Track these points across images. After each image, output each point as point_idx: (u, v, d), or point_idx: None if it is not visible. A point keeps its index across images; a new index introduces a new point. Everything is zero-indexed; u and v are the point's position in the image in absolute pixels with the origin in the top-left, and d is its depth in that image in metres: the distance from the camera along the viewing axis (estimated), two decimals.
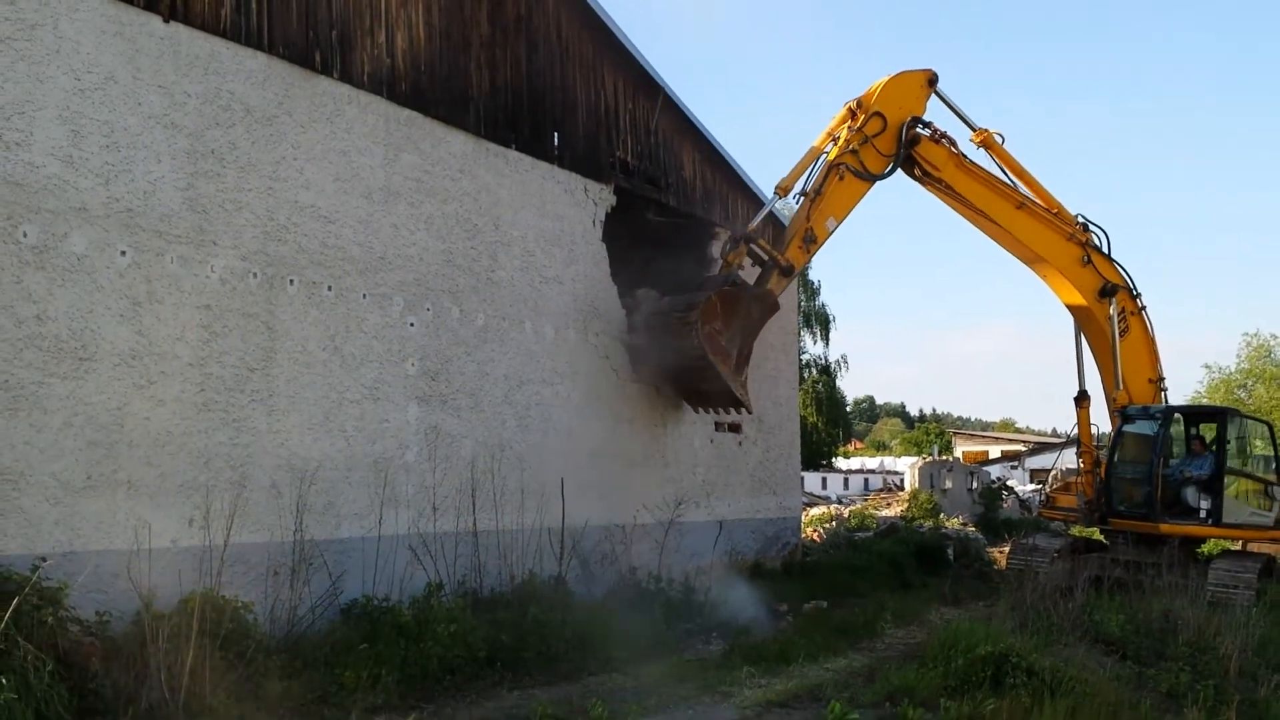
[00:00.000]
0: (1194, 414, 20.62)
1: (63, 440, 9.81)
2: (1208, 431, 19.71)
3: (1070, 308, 20.37)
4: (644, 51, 17.63)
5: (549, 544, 14.47)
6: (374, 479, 12.67)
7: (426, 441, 13.47)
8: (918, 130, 18.40)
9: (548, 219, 15.81)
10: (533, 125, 15.67)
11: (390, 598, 11.88)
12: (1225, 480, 18.38)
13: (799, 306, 28.14)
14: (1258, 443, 20.08)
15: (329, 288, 12.44)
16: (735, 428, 20.08)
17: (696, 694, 11.16)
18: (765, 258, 17.19)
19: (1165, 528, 18.12)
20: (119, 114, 10.42)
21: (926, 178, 18.82)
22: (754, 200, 20.72)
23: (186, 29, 11.04)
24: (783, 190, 17.53)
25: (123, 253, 10.37)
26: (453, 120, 14.25)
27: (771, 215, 21.18)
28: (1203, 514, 18.27)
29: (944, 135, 18.65)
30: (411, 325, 13.48)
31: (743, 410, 17.85)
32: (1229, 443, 18.85)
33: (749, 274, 17.54)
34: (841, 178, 17.50)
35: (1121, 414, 19.58)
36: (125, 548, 10.02)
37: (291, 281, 12.02)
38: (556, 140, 16.11)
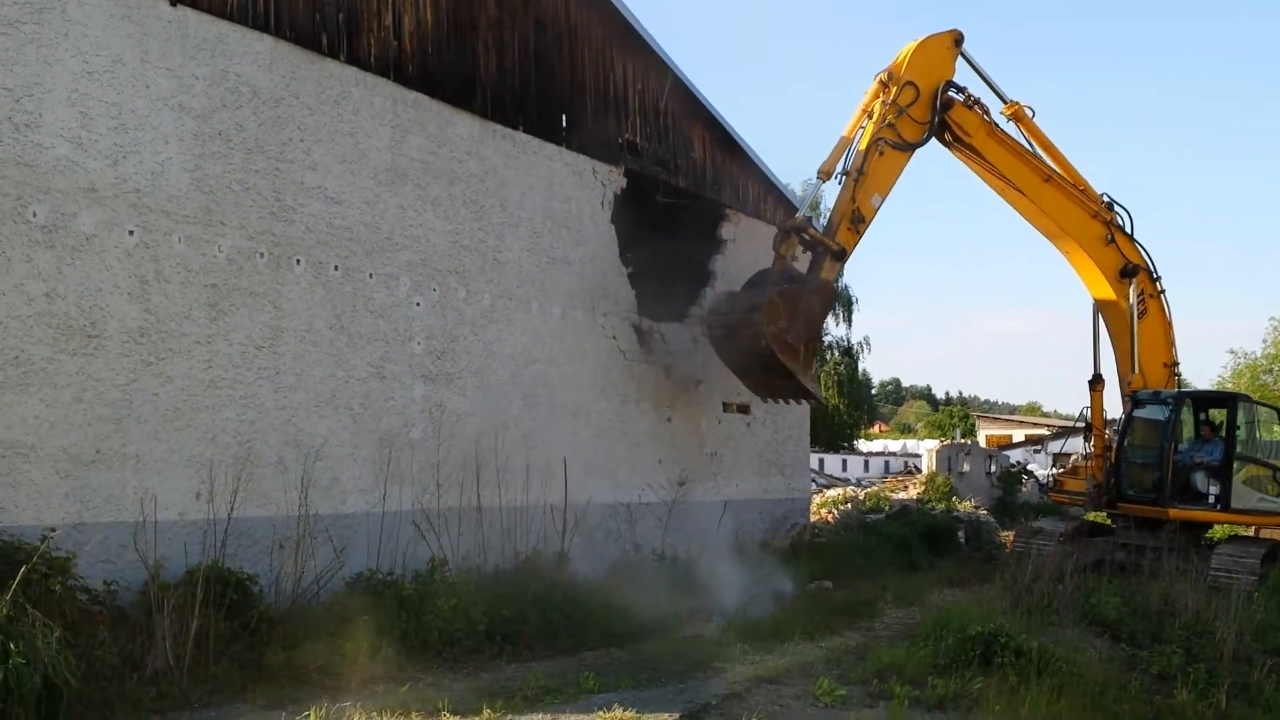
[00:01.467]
0: (1204, 399, 20.60)
1: (73, 415, 10.07)
2: (1217, 417, 19.69)
3: (1090, 287, 20.38)
4: (652, 31, 17.72)
5: (552, 521, 14.69)
6: (379, 455, 12.92)
7: (432, 419, 13.70)
8: (951, 94, 18.33)
9: (556, 200, 15.98)
10: (540, 107, 15.82)
11: (394, 572, 12.13)
12: (1234, 466, 18.38)
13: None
14: (1276, 429, 20.05)
15: (335, 267, 12.67)
16: (744, 409, 20.22)
17: (689, 669, 11.35)
18: (817, 245, 17.03)
19: (1174, 513, 18.15)
20: (127, 96, 10.65)
21: (957, 143, 18.78)
22: (764, 182, 20.81)
23: (194, 12, 11.25)
24: (825, 174, 17.30)
25: (130, 232, 10.62)
26: (460, 102, 14.42)
27: (785, 198, 21.33)
28: (1211, 499, 18.32)
29: (977, 101, 18.62)
30: (418, 305, 13.69)
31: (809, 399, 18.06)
32: (1239, 428, 18.83)
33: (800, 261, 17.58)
34: (881, 153, 17.34)
35: (1132, 398, 19.61)
36: (133, 520, 10.29)
37: (298, 261, 12.25)
38: (564, 122, 16.25)
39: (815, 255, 17.13)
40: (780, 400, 18.41)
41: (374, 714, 8.79)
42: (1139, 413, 19.55)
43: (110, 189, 10.46)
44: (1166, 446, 18.62)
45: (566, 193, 16.20)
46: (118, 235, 10.52)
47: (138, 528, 10.21)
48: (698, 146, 19.25)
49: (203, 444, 11.12)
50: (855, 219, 17.15)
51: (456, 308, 14.26)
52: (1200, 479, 18.58)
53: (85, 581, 9.47)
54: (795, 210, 20.04)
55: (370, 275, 13.10)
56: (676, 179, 18.73)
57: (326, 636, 10.57)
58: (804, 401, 18.38)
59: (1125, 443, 19.59)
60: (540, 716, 9.14)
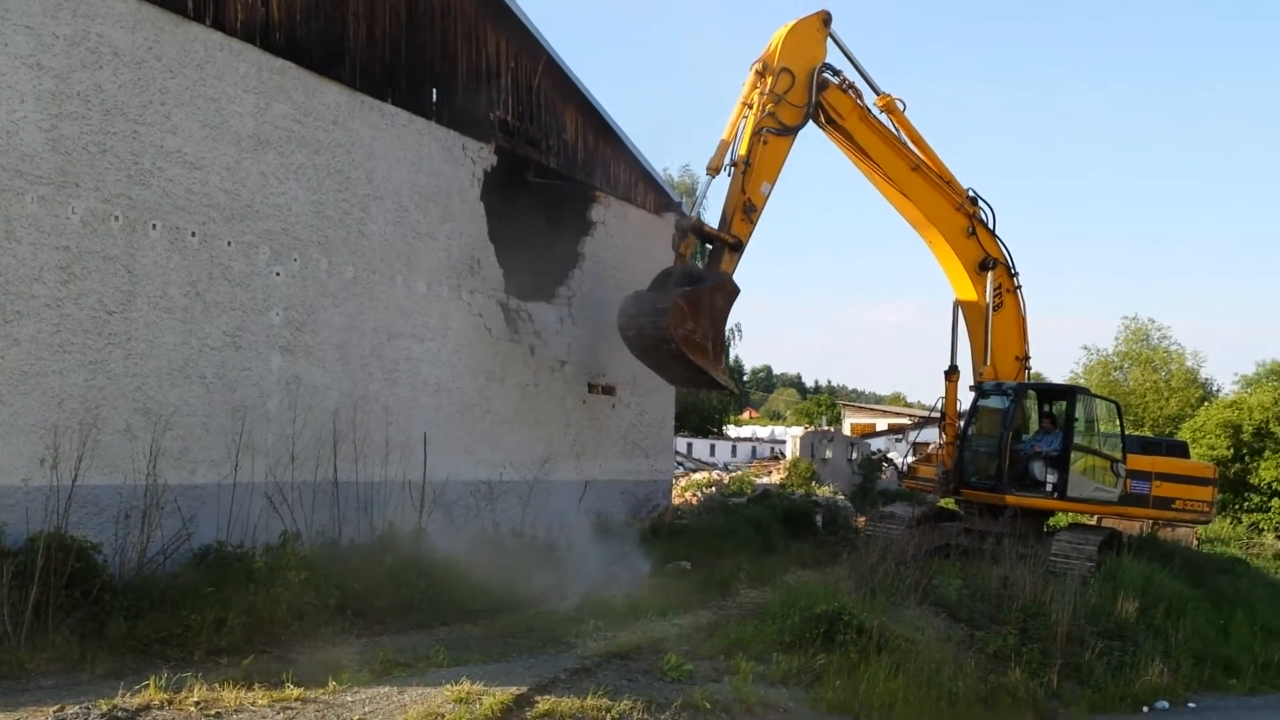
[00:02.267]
0: (1045, 391, 21.48)
1: None
2: (1059, 409, 20.50)
3: (950, 278, 21.03)
4: (528, 9, 17.71)
5: (411, 497, 14.64)
6: (232, 426, 12.70)
7: (289, 391, 13.52)
8: (826, 76, 18.77)
9: (424, 175, 15.86)
10: (410, 80, 15.67)
11: (244, 545, 11.98)
12: (1072, 456, 19.11)
13: None
14: (1116, 422, 20.83)
15: (193, 234, 12.40)
16: (609, 390, 20.38)
17: (541, 645, 11.49)
18: (714, 240, 17.34)
19: (1011, 499, 18.95)
20: None
21: (830, 125, 19.20)
22: (636, 165, 20.94)
23: None
24: (713, 170, 17.47)
25: None
26: (327, 72, 14.20)
27: (656, 183, 21.54)
28: (1049, 488, 19.08)
29: (851, 85, 19.13)
30: (277, 275, 13.49)
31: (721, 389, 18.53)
32: (1076, 420, 19.65)
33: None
34: (765, 142, 17.66)
35: (978, 389, 20.36)
36: None
37: (154, 226, 11.96)
38: (435, 97, 16.13)
39: (714, 250, 17.42)
40: (691, 389, 18.76)
41: (215, 685, 8.69)
42: (983, 403, 20.33)
43: None
44: (1006, 435, 19.39)
45: (435, 168, 16.09)
46: None
47: None
48: (570, 128, 19.28)
49: (48, 409, 10.82)
50: (748, 209, 17.46)
51: (318, 279, 14.08)
52: (1039, 468, 19.36)
53: None
54: (666, 194, 20.39)
55: (229, 243, 12.85)
56: (548, 159, 18.73)
57: (171, 608, 10.47)
58: (716, 390, 18.84)
59: (970, 432, 20.32)
60: (386, 689, 9.12)
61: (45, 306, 10.87)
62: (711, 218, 18.07)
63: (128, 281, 11.68)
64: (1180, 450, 22.14)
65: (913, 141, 20.01)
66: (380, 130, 15.07)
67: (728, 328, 19.24)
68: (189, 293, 12.35)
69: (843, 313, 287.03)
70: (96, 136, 11.39)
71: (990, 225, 20.70)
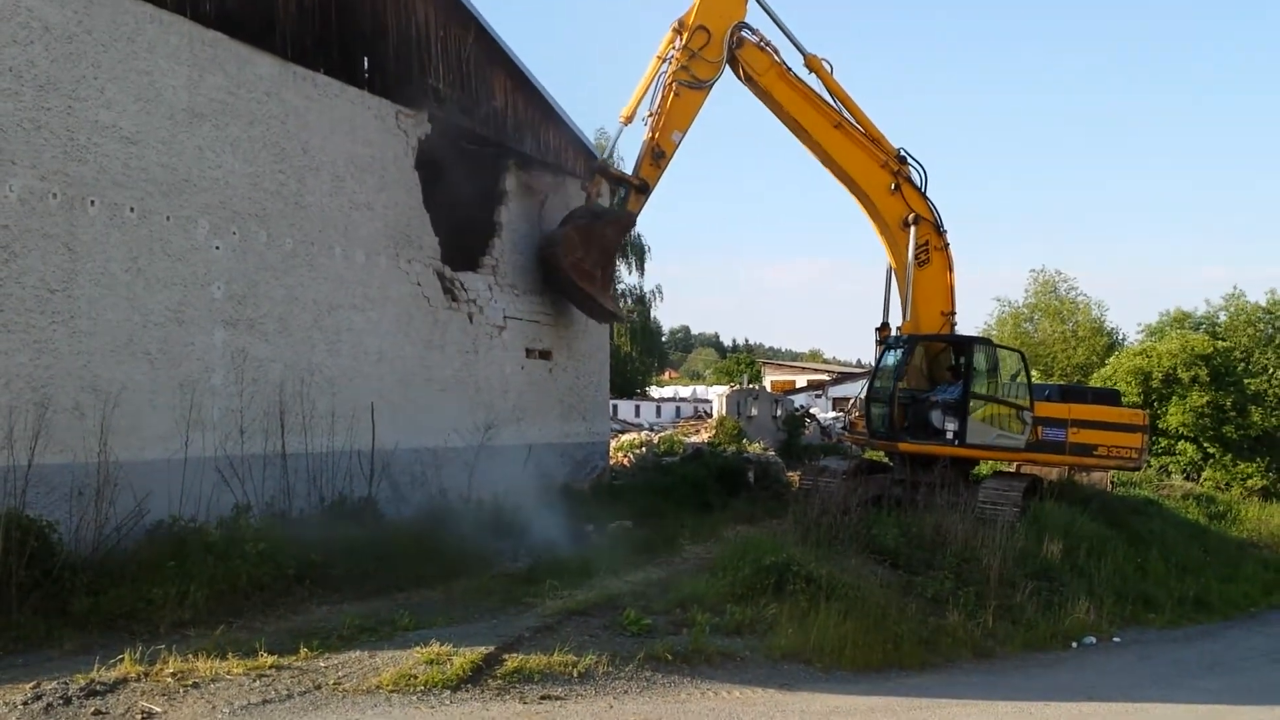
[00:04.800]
0: (948, 343, 21.35)
1: None
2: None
3: (878, 234, 21.40)
4: None
5: (359, 467, 14.73)
6: (179, 402, 12.68)
7: (233, 365, 13.51)
8: (744, 34, 19.48)
9: (359, 145, 15.82)
10: (342, 49, 15.59)
11: (197, 518, 12.00)
12: (971, 405, 19.52)
13: None
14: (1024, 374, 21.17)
15: (131, 209, 12.30)
16: (546, 355, 20.53)
17: (501, 605, 11.73)
18: (621, 181, 18.64)
19: (904, 446, 19.54)
20: None
21: (749, 80, 19.87)
22: (564, 129, 21.00)
23: None
24: (625, 118, 18.81)
25: None
26: (259, 43, 14.10)
27: (587, 148, 21.66)
28: (949, 435, 19.59)
29: (768, 44, 19.74)
30: (217, 249, 13.42)
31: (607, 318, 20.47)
32: (976, 370, 20.09)
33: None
34: (678, 94, 18.70)
35: (884, 343, 20.86)
36: None
37: (92, 202, 11.85)
38: (367, 66, 16.08)
39: (624, 190, 18.60)
40: (592, 318, 20.51)
41: (189, 656, 8.79)
42: (888, 355, 20.81)
43: None
44: (893, 386, 19.92)
45: (369, 137, 16.05)
46: None
47: None
48: (500, 95, 19.29)
49: None
50: (656, 154, 18.71)
51: (258, 252, 14.03)
52: (937, 416, 19.86)
53: None
54: (596, 158, 20.62)
55: (168, 217, 12.77)
56: (480, 127, 18.74)
57: (131, 583, 10.51)
58: (611, 320, 20.32)
59: (876, 385, 20.78)
60: (357, 654, 9.30)
61: None
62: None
63: (68, 259, 11.58)
64: (1110, 398, 22.56)
65: (840, 100, 20.39)
66: (313, 100, 15.00)
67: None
68: (130, 269, 12.27)
69: (756, 271, 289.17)
70: (30, 113, 11.25)
71: (920, 184, 21.07)
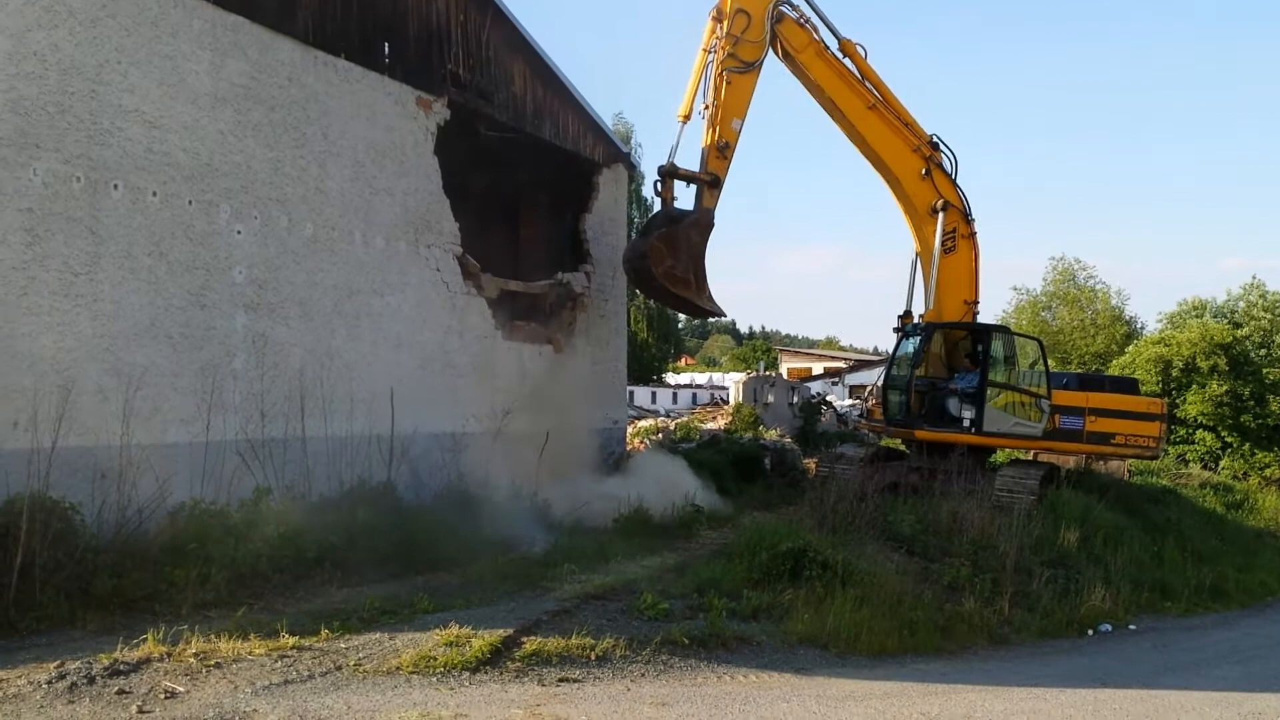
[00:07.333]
0: (967, 332, 21.22)
1: None
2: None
3: (906, 219, 21.39)
4: None
5: (378, 451, 14.80)
6: (201, 385, 12.76)
7: (254, 349, 13.58)
8: (783, 9, 19.46)
9: (378, 130, 15.86)
10: (362, 34, 15.62)
11: (218, 501, 12.09)
12: (989, 393, 19.56)
13: (630, 222, 28.55)
14: (1041, 362, 21.14)
15: (154, 193, 12.37)
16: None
17: (519, 589, 11.81)
18: (692, 181, 18.32)
19: (921, 434, 19.57)
20: None
21: (788, 58, 19.83)
22: (584, 116, 21.03)
23: None
24: (683, 116, 18.48)
25: None
26: (280, 27, 14.13)
27: (605, 134, 21.66)
28: (966, 423, 19.61)
29: (807, 21, 19.74)
30: (239, 233, 13.49)
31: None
32: (994, 358, 20.11)
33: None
34: (729, 82, 18.47)
35: (902, 331, 20.85)
36: None
37: (116, 186, 11.93)
38: (387, 51, 16.10)
39: (697, 189, 18.34)
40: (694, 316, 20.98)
41: (212, 636, 8.90)
42: (905, 344, 20.81)
43: None
44: (910, 374, 19.94)
45: (389, 123, 16.08)
46: None
47: None
48: (519, 80, 19.30)
49: (20, 372, 10.82)
50: (721, 146, 18.43)
51: (279, 237, 14.09)
52: (954, 404, 19.87)
53: None
54: (615, 144, 20.62)
55: (190, 202, 12.84)
56: (498, 112, 18.76)
57: (154, 565, 10.60)
58: (712, 316, 19.78)
59: (891, 372, 20.81)
60: (377, 636, 9.40)
61: (12, 270, 10.83)
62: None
63: (92, 243, 11.66)
64: (1128, 387, 22.55)
65: (873, 84, 20.41)
66: (334, 85, 15.04)
67: None
68: (152, 253, 12.34)
69: (773, 259, 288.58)
70: (55, 96, 11.31)
71: (951, 171, 21.04)
